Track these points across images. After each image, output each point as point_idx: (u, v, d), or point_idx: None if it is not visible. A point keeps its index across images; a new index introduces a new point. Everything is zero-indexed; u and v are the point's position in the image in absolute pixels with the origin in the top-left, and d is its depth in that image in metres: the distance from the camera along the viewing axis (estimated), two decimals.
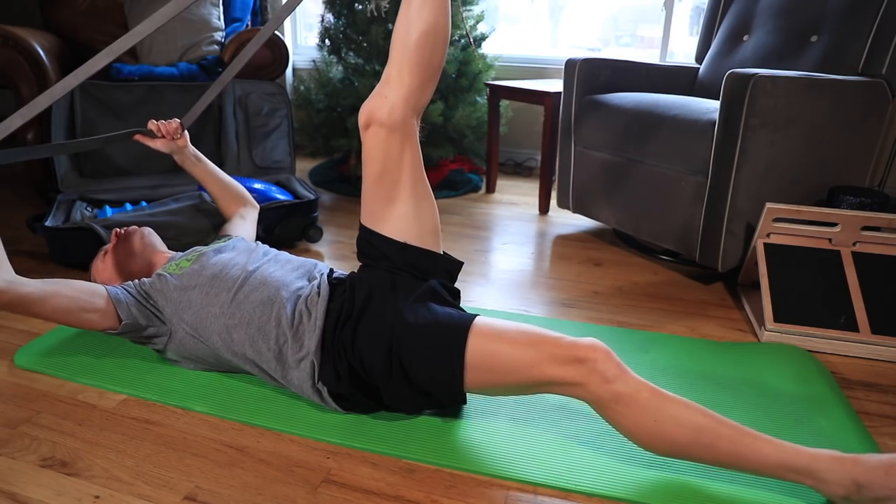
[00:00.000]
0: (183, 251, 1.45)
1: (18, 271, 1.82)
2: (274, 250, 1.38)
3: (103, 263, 1.43)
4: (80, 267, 1.84)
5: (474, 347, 1.02)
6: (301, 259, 1.34)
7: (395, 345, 1.06)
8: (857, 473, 0.89)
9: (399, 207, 1.17)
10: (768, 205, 1.55)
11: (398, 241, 1.17)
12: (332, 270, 1.30)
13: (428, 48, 1.11)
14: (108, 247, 1.46)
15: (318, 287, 1.20)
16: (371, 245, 1.20)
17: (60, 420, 1.16)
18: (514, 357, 0.99)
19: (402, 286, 1.16)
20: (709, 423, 0.93)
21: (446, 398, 1.08)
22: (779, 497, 0.97)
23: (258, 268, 1.26)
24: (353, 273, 1.26)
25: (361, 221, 1.22)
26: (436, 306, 1.11)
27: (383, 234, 1.18)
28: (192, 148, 1.59)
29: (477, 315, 1.08)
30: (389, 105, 1.12)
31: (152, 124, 1.52)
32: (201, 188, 2.13)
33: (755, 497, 0.97)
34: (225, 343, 1.19)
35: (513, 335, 1.01)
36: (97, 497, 0.97)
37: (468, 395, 1.21)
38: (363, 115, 1.14)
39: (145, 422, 1.16)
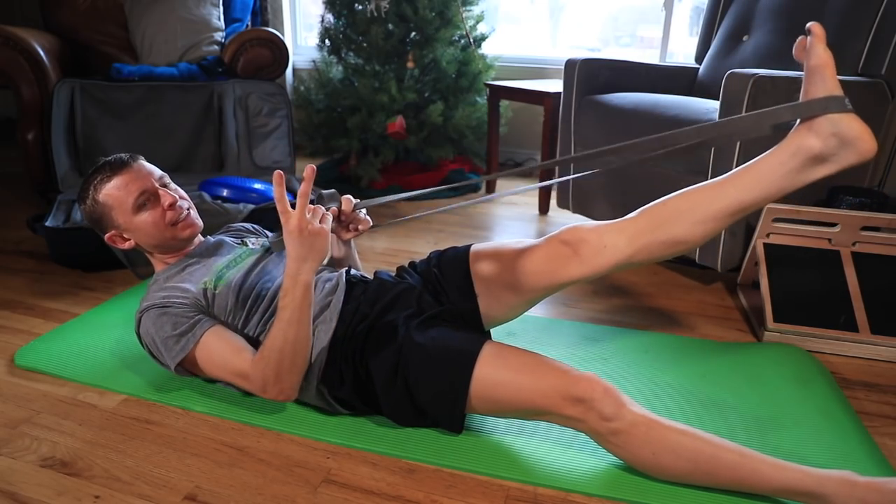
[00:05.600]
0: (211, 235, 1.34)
1: (18, 271, 1.82)
2: None
3: (161, 217, 1.19)
4: (80, 267, 1.84)
5: (479, 377, 1.01)
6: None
7: (403, 361, 1.05)
8: (870, 499, 0.87)
9: (512, 298, 1.15)
10: (768, 205, 1.55)
11: (474, 295, 1.16)
12: (349, 269, 1.29)
13: (671, 252, 1.06)
14: (180, 207, 1.22)
15: (336, 287, 1.19)
16: (455, 273, 1.18)
17: (60, 420, 1.16)
18: (515, 391, 1.00)
19: (423, 306, 1.16)
20: (708, 450, 0.93)
21: (444, 421, 1.08)
22: (780, 500, 0.97)
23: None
24: (381, 272, 1.26)
25: (473, 252, 1.18)
26: (447, 329, 1.10)
27: (476, 291, 1.16)
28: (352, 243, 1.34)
29: (485, 342, 1.06)
30: (600, 257, 1.06)
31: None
32: (201, 188, 2.13)
33: (756, 498, 0.97)
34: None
35: (516, 367, 1.01)
36: (97, 497, 0.97)
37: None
38: (572, 232, 1.08)
39: (145, 422, 1.16)
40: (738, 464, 0.92)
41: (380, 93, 2.57)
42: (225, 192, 2.09)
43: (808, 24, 0.92)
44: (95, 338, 1.43)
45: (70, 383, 1.27)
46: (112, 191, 1.17)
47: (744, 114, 0.91)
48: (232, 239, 1.35)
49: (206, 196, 2.04)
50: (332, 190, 1.18)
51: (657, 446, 0.94)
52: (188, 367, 1.14)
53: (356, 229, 1.21)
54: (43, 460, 1.05)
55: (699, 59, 2.36)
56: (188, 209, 1.24)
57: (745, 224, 1.67)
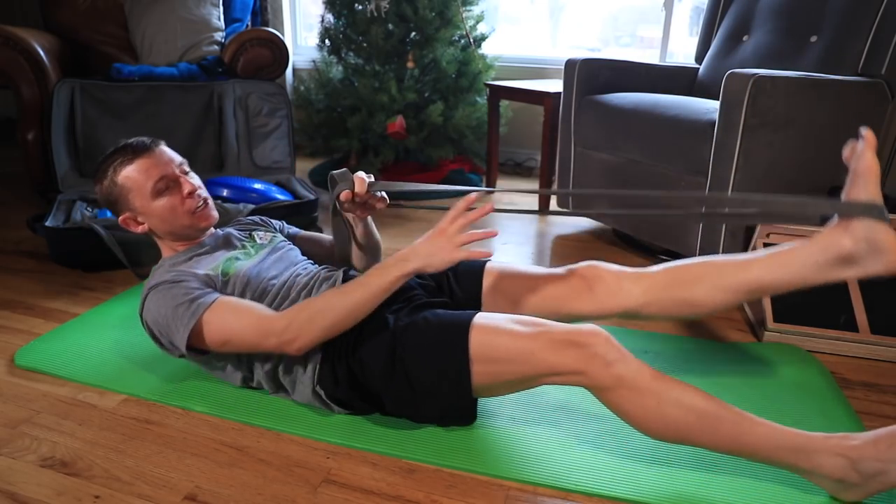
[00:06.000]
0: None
1: (18, 271, 1.82)
2: (299, 256, 1.32)
3: (180, 204, 1.18)
4: (80, 267, 1.84)
5: (476, 340, 1.01)
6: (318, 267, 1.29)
7: (400, 347, 1.05)
8: (847, 448, 0.90)
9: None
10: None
11: (479, 306, 1.20)
12: (347, 269, 1.28)
13: (681, 312, 1.11)
14: (198, 196, 1.20)
15: (333, 286, 1.18)
16: (467, 282, 1.22)
17: (60, 420, 1.16)
18: (515, 347, 0.99)
19: (414, 301, 1.16)
20: (711, 406, 0.93)
21: (453, 399, 1.05)
22: (778, 498, 0.97)
23: (290, 276, 1.21)
24: None
25: (489, 267, 1.23)
26: (437, 310, 1.11)
27: (483, 303, 1.20)
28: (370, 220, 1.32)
29: (478, 312, 1.07)
30: (612, 298, 1.11)
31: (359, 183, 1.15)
32: None
33: (755, 498, 0.97)
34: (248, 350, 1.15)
35: (513, 325, 1.01)
36: (97, 497, 0.97)
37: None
38: (592, 269, 1.14)
39: (145, 422, 1.16)
40: (739, 422, 0.93)
41: (380, 93, 2.57)
42: (225, 192, 2.09)
43: (861, 129, 0.94)
44: (95, 338, 1.43)
45: (70, 383, 1.27)
46: (132, 174, 1.16)
47: (786, 197, 0.94)
48: (240, 232, 1.34)
49: None
50: (344, 169, 1.16)
51: (662, 396, 0.93)
52: (197, 343, 1.09)
53: (372, 207, 1.20)
54: (43, 460, 1.05)
55: (699, 59, 2.36)
56: (206, 199, 1.23)
57: (744, 224, 1.67)
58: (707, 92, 2.21)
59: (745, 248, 1.70)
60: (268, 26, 3.30)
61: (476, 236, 1.01)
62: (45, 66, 2.23)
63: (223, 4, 2.69)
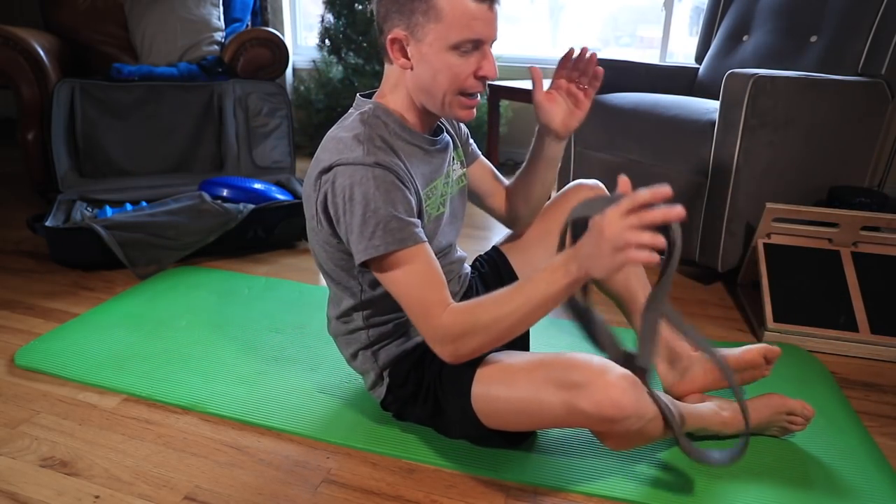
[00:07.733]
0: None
1: (18, 271, 1.82)
2: (462, 218, 1.19)
3: (465, 75, 0.92)
4: (80, 267, 1.84)
5: (476, 395, 0.97)
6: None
7: (439, 383, 1.03)
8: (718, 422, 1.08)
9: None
10: (768, 205, 1.55)
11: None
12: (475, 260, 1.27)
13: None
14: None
15: (461, 286, 1.17)
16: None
17: (60, 420, 1.16)
18: (518, 399, 0.93)
19: None
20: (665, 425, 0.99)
21: (475, 428, 1.01)
22: (777, 498, 0.97)
23: (451, 244, 1.14)
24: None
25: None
26: None
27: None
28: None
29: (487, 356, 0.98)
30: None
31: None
32: (201, 188, 2.13)
33: (755, 498, 0.97)
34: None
35: (511, 375, 0.94)
36: (97, 497, 0.97)
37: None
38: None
39: (145, 422, 1.16)
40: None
41: None
42: (225, 192, 2.09)
43: None
44: (95, 338, 1.43)
45: (70, 383, 1.27)
46: (463, 5, 0.87)
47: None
48: (452, 148, 1.10)
49: (206, 196, 2.04)
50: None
51: (646, 433, 0.94)
52: (373, 265, 0.90)
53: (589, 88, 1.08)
54: (43, 460, 1.05)
55: (699, 59, 2.36)
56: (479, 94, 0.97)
57: (745, 224, 1.67)
58: (707, 92, 2.21)
59: (744, 249, 1.70)
60: (268, 26, 3.30)
61: (653, 218, 0.73)
62: (45, 66, 2.23)
63: (223, 4, 2.69)
